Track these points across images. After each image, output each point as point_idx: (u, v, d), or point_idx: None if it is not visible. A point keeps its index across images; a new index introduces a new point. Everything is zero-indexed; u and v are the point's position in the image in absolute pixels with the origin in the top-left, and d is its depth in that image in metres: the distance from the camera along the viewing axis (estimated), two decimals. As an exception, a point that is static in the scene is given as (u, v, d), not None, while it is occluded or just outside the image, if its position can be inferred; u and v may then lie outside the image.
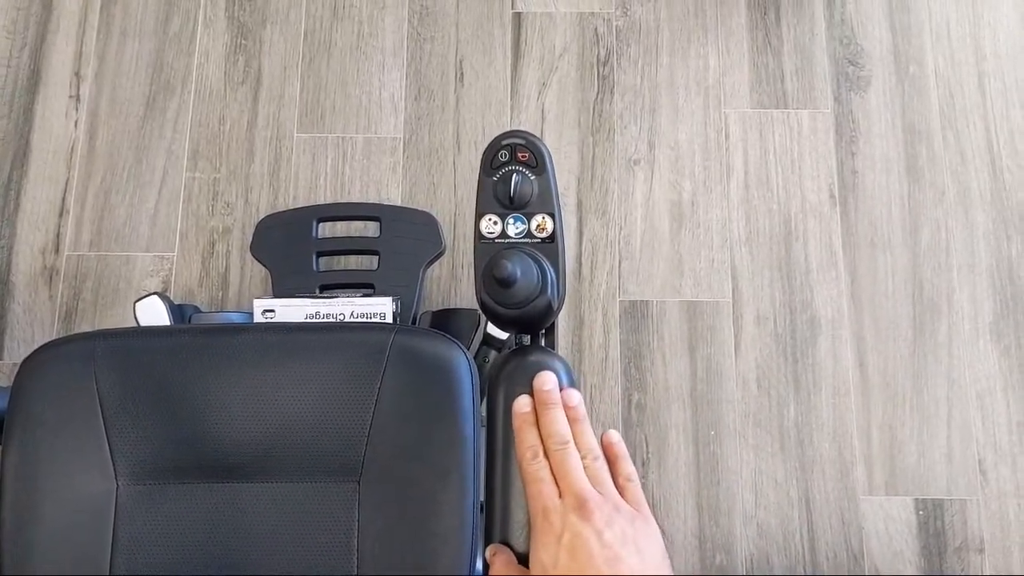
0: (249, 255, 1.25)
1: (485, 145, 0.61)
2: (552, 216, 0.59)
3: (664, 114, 1.36)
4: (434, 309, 1.18)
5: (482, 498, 0.76)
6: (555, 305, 0.58)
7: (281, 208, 1.31)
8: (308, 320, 1.08)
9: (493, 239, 0.59)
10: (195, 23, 1.39)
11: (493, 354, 1.10)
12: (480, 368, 1.16)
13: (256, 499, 0.74)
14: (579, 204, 1.32)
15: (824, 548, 1.22)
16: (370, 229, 1.21)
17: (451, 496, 0.74)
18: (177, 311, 1.09)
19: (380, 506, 0.74)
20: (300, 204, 1.31)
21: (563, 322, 1.28)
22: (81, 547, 0.73)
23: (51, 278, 1.29)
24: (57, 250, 1.30)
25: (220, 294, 1.29)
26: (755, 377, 1.26)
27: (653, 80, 1.37)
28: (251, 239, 1.18)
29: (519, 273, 0.56)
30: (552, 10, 1.39)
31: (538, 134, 1.34)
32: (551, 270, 0.58)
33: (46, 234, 1.30)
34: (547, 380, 0.55)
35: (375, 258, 1.19)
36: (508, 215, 0.59)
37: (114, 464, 0.74)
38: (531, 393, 0.57)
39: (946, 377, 1.27)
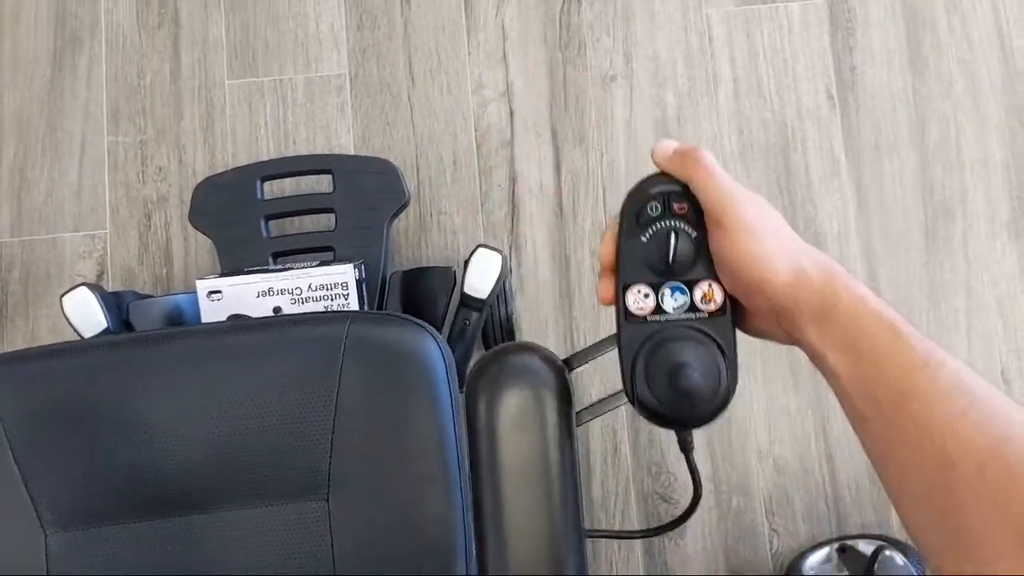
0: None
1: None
2: (720, 282, 0.46)
3: (639, 21, 1.21)
4: (404, 268, 1.06)
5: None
6: (731, 395, 0.46)
7: (221, 168, 1.16)
8: (259, 298, 0.96)
9: (645, 317, 0.46)
10: (96, -38, 1.21)
11: (474, 316, 0.99)
12: (461, 332, 1.05)
13: (211, 532, 0.64)
14: (554, 133, 1.19)
15: (846, 479, 1.14)
16: (323, 184, 1.08)
17: (436, 506, 0.64)
18: (112, 301, 0.96)
19: (356, 525, 0.64)
20: (241, 161, 1.17)
21: (548, 265, 1.17)
22: (14, 609, 0.63)
23: (-27, 270, 1.15)
24: (-25, 239, 1.15)
25: (164, 271, 1.15)
26: (760, 305, 1.16)
27: (624, -17, 1.22)
28: (189, 207, 1.04)
29: (703, 379, 0.44)
30: (503, -89, 1.22)
31: (499, 57, 1.20)
32: (727, 351, 0.45)
33: (-41, 222, 1.16)
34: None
35: (332, 216, 1.06)
36: (663, 284, 0.46)
37: (37, 512, 0.63)
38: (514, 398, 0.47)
39: (963, 286, 1.17)
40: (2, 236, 1.15)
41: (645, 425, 1.15)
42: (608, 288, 0.47)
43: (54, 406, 0.64)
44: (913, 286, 1.17)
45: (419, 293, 1.03)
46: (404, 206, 1.06)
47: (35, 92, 1.18)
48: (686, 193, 0.46)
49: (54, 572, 0.62)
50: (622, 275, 0.46)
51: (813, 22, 1.21)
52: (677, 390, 0.44)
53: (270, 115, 1.18)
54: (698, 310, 0.46)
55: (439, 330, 1.04)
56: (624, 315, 0.46)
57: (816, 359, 0.41)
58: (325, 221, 1.09)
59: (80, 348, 0.67)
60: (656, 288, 0.46)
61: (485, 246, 0.95)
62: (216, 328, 0.68)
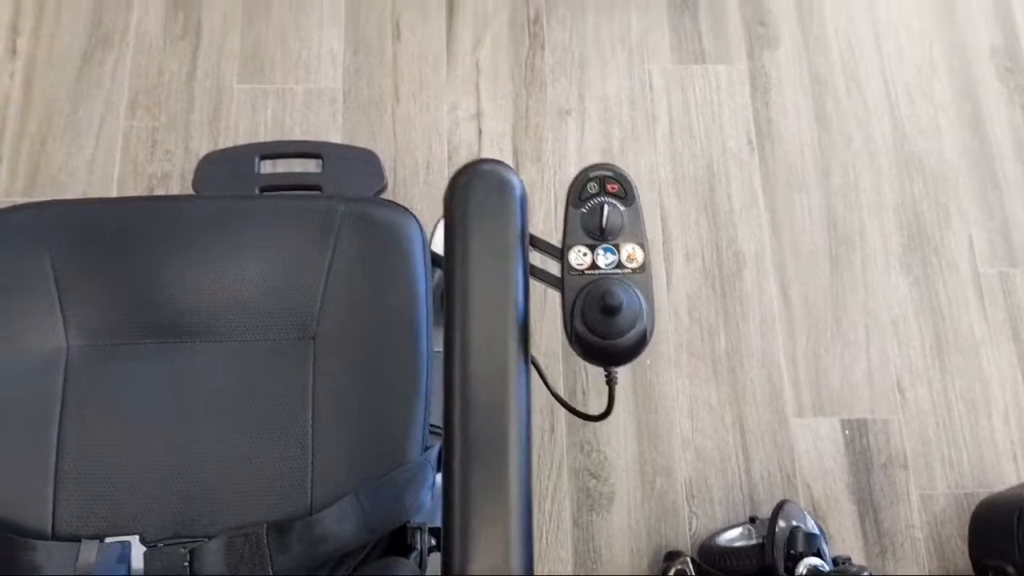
0: (189, 199, 1.26)
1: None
2: (642, 246, 0.60)
3: (592, 69, 1.44)
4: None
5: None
6: (648, 336, 0.58)
7: (222, 154, 1.32)
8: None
9: (583, 270, 0.59)
10: (133, -16, 1.41)
11: (438, 272, 1.12)
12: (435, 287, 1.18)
13: (207, 355, 0.75)
14: (515, 150, 1.38)
15: (759, 468, 1.26)
16: (312, 167, 1.24)
17: (403, 346, 0.76)
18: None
19: (335, 360, 0.75)
20: (241, 150, 1.33)
21: (502, 261, 1.32)
22: (29, 405, 0.72)
23: (-19, 228, 1.27)
24: (-11, 199, 1.28)
25: (159, 238, 1.28)
26: (687, 309, 1.32)
27: (581, 37, 1.45)
28: (192, 175, 1.19)
29: (627, 301, 0.56)
30: (484, -24, 1.47)
31: (473, 87, 1.40)
32: (644, 300, 0.59)
33: (-25, 184, 1.29)
34: None
35: (318, 193, 1.21)
36: (598, 246, 0.60)
37: (65, 325, 0.74)
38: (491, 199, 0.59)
39: (863, 306, 1.35)
40: (16, 196, 1.28)
41: (590, 413, 1.27)
42: None
43: (92, 242, 0.77)
44: (820, 303, 1.35)
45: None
46: (382, 189, 1.22)
47: (64, 79, 1.34)
48: (617, 177, 0.61)
49: (71, 377, 0.73)
50: (566, 239, 0.60)
51: (736, 81, 1.45)
52: (605, 310, 0.56)
53: (271, 116, 1.35)
54: (624, 267, 0.59)
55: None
56: (567, 270, 0.60)
57: None
58: (311, 198, 1.24)
59: (118, 200, 0.80)
60: (592, 249, 0.60)
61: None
62: (228, 196, 0.81)
